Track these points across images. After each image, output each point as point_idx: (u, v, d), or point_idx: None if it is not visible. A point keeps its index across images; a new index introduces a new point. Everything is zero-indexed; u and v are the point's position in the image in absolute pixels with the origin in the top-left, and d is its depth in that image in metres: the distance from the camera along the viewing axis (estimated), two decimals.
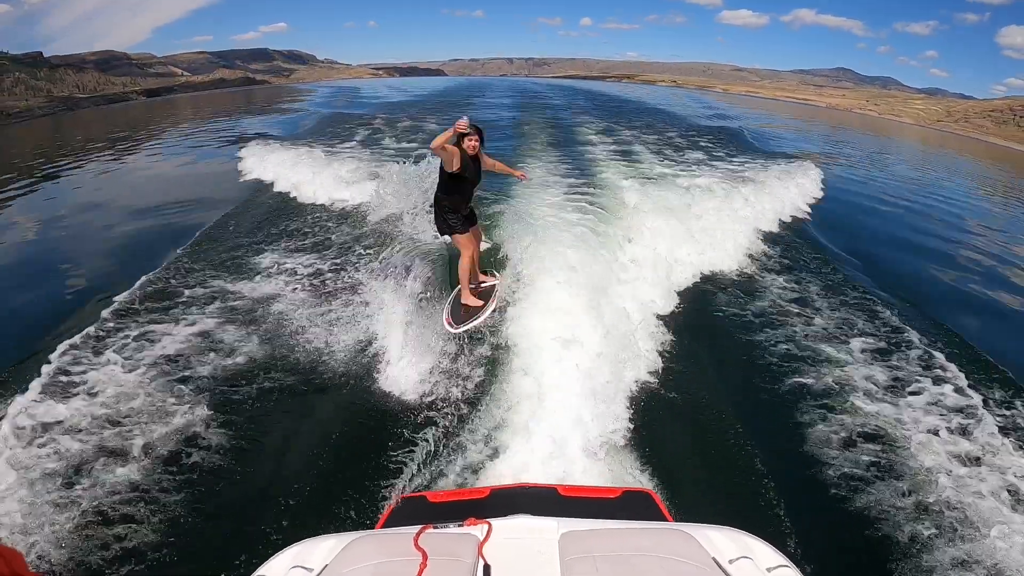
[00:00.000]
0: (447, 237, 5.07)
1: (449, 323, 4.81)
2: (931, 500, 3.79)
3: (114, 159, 18.04)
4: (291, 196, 10.33)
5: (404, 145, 15.63)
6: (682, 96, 55.99)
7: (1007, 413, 4.86)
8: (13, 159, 20.43)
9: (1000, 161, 36.55)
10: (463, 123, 4.40)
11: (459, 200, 4.86)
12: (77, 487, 3.53)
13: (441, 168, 4.69)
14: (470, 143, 4.60)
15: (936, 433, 4.51)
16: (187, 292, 6.28)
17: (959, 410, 4.85)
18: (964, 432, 4.54)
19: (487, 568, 1.74)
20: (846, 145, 28.84)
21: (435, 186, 4.91)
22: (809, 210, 11.34)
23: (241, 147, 14.97)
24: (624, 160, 13.91)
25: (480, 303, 5.04)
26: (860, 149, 27.87)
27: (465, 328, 4.79)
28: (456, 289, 5.32)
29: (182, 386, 4.58)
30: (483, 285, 5.37)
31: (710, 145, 17.77)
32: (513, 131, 18.79)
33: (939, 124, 57.54)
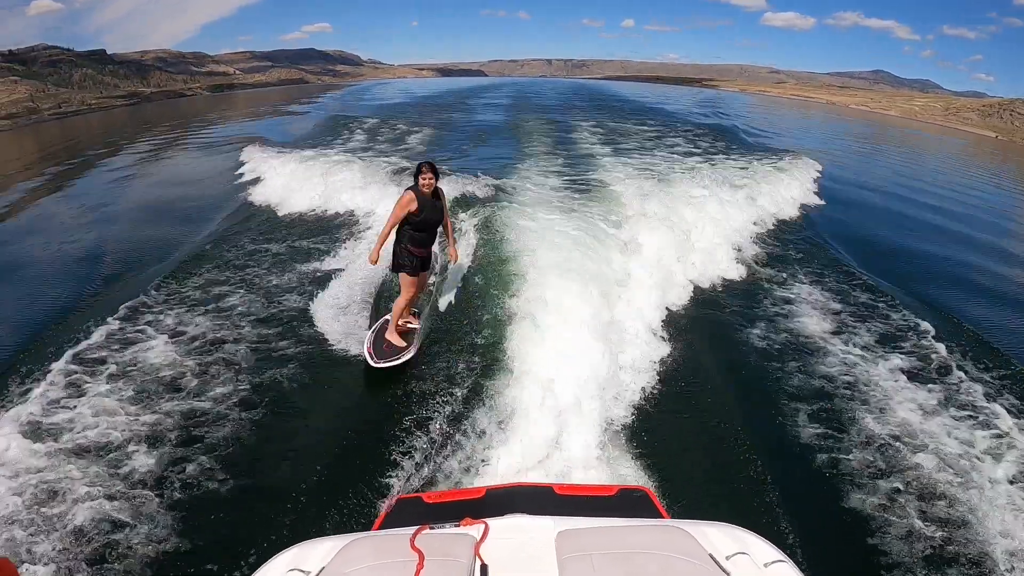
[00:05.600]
0: (397, 273, 5.07)
1: (371, 354, 4.84)
2: (929, 494, 3.77)
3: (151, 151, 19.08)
4: (288, 201, 10.07)
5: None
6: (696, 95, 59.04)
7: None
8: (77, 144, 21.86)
9: (962, 138, 46.72)
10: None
11: (420, 239, 4.88)
12: (69, 491, 3.50)
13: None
14: (424, 181, 4.68)
15: (937, 426, 4.46)
16: (180, 298, 6.24)
17: (964, 404, 4.77)
18: (969, 425, 4.49)
19: (484, 568, 1.71)
20: (835, 136, 31.67)
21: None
22: (805, 202, 11.40)
23: (242, 149, 14.89)
24: (624, 158, 13.80)
25: (403, 344, 5.03)
26: (843, 137, 31.47)
27: (387, 365, 4.80)
28: (382, 320, 5.32)
29: (175, 392, 4.54)
30: (408, 325, 5.35)
31: (710, 143, 17.52)
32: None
33: (927, 117, 61.42)
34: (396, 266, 4.98)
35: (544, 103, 34.28)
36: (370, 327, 5.33)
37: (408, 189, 4.76)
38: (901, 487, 3.82)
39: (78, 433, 4.03)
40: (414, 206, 4.70)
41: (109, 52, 71.58)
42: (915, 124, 54.63)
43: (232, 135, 20.51)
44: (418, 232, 4.85)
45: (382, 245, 4.86)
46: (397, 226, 4.87)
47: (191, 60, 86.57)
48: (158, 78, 74.24)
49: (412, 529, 1.80)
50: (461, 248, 6.38)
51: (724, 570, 1.68)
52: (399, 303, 5.09)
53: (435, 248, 5.38)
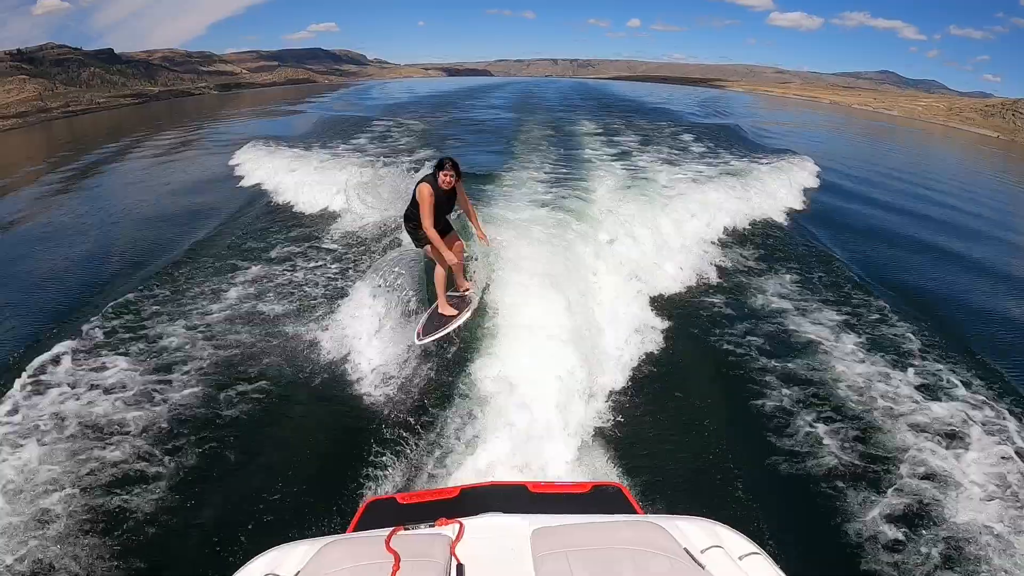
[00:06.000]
0: (424, 247, 5.02)
1: (418, 334, 4.75)
2: (903, 488, 3.83)
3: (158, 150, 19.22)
4: (284, 201, 10.22)
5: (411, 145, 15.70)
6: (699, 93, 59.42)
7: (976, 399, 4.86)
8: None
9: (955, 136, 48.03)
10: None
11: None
12: (49, 496, 3.53)
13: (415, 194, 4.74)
14: (445, 178, 4.63)
15: (908, 422, 4.52)
16: (161, 298, 6.29)
17: (942, 403, 4.82)
18: (949, 423, 4.54)
19: (460, 567, 1.72)
20: (834, 135, 32.61)
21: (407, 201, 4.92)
22: (799, 201, 11.39)
23: (238, 149, 14.93)
24: (618, 156, 13.81)
25: (455, 312, 4.98)
26: (841, 133, 33.53)
27: (432, 339, 4.72)
28: (434, 305, 5.24)
29: (152, 395, 4.57)
30: (463, 292, 5.25)
31: (709, 142, 17.55)
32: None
33: (929, 116, 61.71)
34: (420, 243, 4.92)
35: (546, 96, 34.97)
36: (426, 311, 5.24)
37: (425, 181, 4.64)
38: (875, 480, 3.87)
39: (57, 431, 4.08)
40: (432, 200, 4.62)
41: (116, 51, 71.97)
42: (917, 124, 55.35)
43: (239, 134, 20.70)
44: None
45: (440, 244, 4.72)
46: (409, 209, 4.83)
47: (197, 60, 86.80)
48: (165, 77, 74.55)
49: (387, 531, 1.80)
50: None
51: (699, 564, 1.71)
52: (438, 274, 5.01)
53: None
